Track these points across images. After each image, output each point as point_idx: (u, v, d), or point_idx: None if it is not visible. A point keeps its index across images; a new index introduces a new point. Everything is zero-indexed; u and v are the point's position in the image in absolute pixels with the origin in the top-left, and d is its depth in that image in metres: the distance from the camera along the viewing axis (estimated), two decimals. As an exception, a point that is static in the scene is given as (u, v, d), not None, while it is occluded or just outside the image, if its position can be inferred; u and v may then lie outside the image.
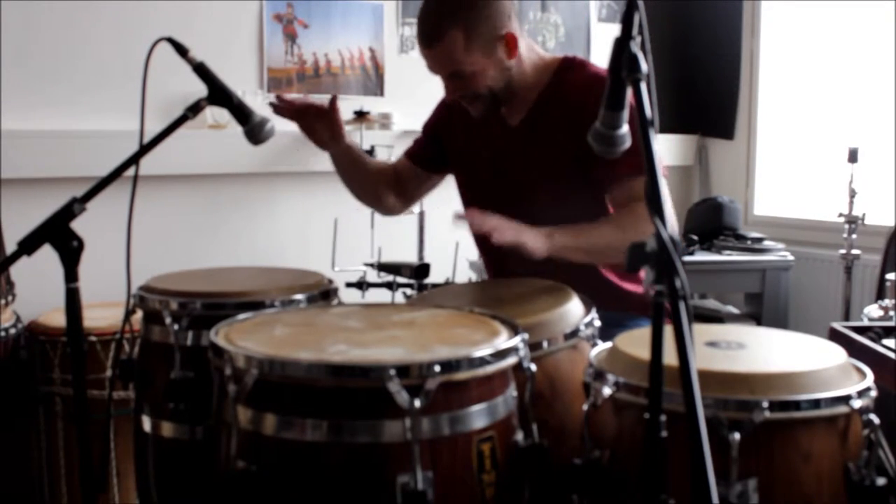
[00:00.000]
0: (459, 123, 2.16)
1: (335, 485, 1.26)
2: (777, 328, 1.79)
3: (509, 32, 1.94)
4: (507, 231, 1.77)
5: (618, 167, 1.79)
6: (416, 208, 3.20)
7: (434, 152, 2.25)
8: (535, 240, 1.79)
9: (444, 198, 2.32)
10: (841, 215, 3.32)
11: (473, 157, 2.16)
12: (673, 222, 1.95)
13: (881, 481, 1.26)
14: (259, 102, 3.13)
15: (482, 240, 2.02)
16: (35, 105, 2.88)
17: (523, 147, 2.05)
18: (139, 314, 1.87)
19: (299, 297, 1.80)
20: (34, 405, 2.48)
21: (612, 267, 2.07)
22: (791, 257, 3.78)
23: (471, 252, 2.69)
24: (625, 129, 1.37)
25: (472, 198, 2.20)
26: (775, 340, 1.55)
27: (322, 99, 2.13)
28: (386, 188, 2.29)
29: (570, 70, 2.04)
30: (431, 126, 2.28)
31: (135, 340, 1.91)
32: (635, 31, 1.25)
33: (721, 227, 3.93)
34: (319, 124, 2.12)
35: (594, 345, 1.64)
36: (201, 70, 1.72)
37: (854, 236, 3.32)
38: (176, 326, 1.72)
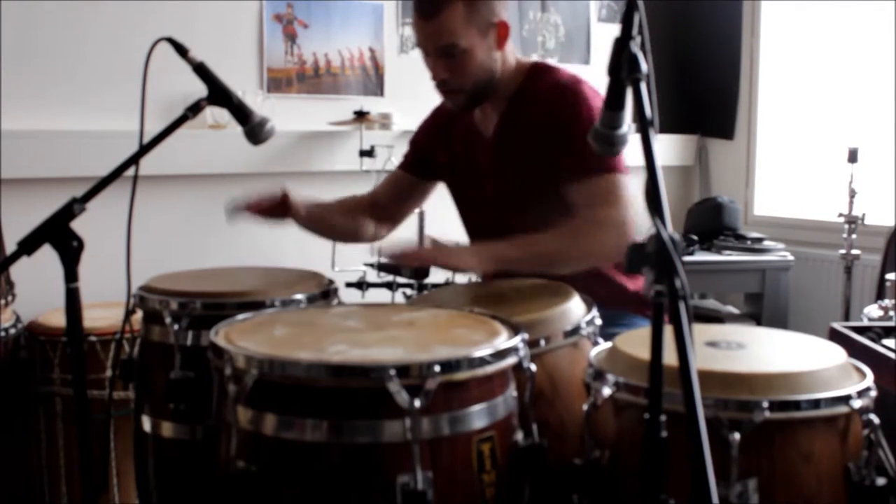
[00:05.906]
0: (443, 138, 2.18)
1: (335, 485, 1.26)
2: (777, 328, 1.78)
3: (502, 21, 1.95)
4: (436, 257, 1.85)
5: (574, 166, 1.84)
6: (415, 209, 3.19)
7: (426, 162, 2.25)
8: (467, 261, 1.85)
9: (445, 197, 2.31)
10: (841, 215, 3.32)
11: (458, 170, 2.17)
12: (632, 223, 1.91)
13: (881, 481, 1.26)
14: (259, 102, 3.14)
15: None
16: (35, 105, 2.87)
17: (499, 158, 2.04)
18: (139, 314, 1.87)
19: (299, 297, 1.80)
20: (34, 405, 2.47)
21: (617, 265, 2.05)
22: (791, 257, 3.78)
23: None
24: (625, 129, 1.37)
25: (464, 209, 2.23)
26: (775, 340, 1.55)
27: (271, 189, 2.11)
28: (363, 221, 2.29)
29: (538, 76, 2.02)
30: (419, 141, 2.28)
31: (135, 340, 1.91)
32: (635, 31, 1.25)
33: (721, 227, 3.93)
34: (276, 212, 2.11)
35: (595, 343, 1.64)
36: (201, 70, 1.72)
37: (854, 236, 3.31)
38: (176, 326, 1.72)
